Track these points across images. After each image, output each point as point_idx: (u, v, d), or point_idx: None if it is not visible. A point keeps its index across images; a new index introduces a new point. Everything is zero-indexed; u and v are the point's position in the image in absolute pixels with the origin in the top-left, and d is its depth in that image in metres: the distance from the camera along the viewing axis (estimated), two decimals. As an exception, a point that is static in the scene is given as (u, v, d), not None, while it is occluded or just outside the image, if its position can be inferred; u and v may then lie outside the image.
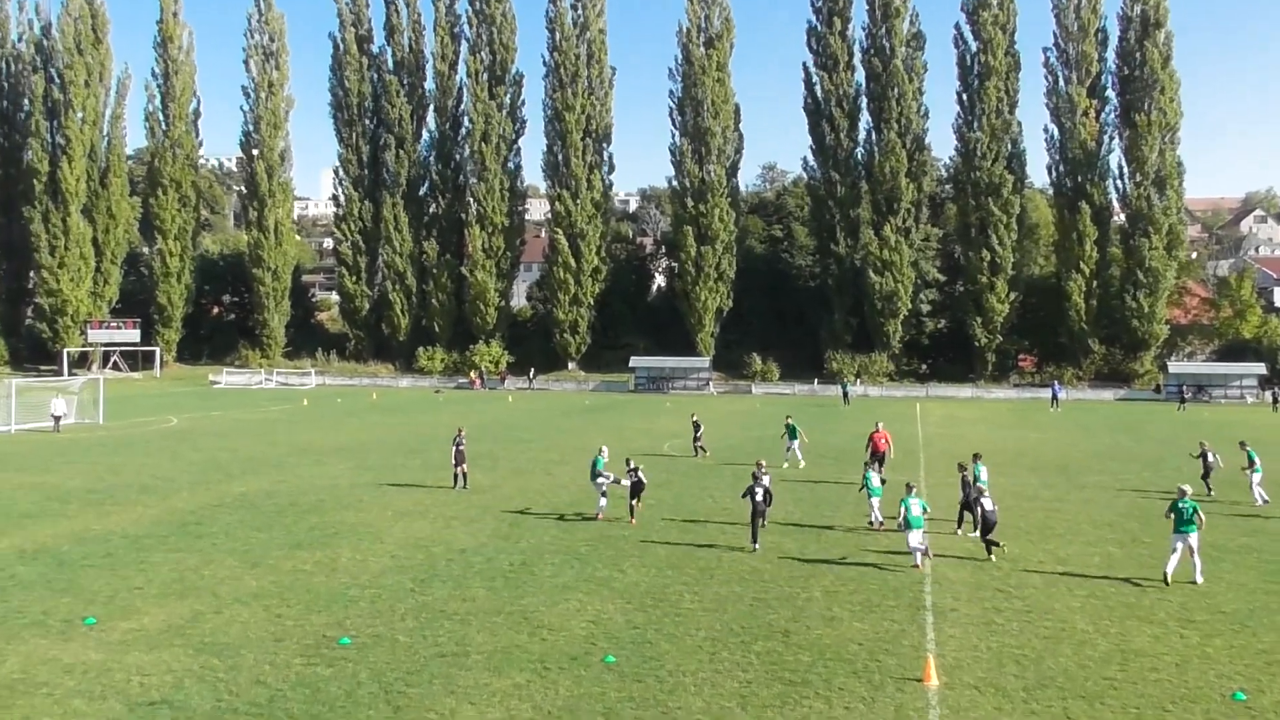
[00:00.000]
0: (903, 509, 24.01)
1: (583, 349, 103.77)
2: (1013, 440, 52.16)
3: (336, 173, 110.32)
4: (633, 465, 28.96)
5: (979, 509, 24.73)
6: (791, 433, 40.99)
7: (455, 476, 34.11)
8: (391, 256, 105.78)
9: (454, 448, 34.48)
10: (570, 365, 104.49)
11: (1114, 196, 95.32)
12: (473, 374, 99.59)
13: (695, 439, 43.90)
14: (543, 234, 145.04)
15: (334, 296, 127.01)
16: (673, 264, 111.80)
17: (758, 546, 25.19)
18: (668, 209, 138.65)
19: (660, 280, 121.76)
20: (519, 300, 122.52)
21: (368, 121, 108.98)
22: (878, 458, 36.02)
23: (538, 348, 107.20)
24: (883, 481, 28.74)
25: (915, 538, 23.52)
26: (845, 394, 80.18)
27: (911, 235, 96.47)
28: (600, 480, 29.45)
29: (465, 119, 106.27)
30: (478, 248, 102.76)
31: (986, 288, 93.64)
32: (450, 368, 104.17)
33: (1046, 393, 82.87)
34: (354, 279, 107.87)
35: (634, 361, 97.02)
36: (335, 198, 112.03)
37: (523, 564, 23.70)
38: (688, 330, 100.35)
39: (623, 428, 56.87)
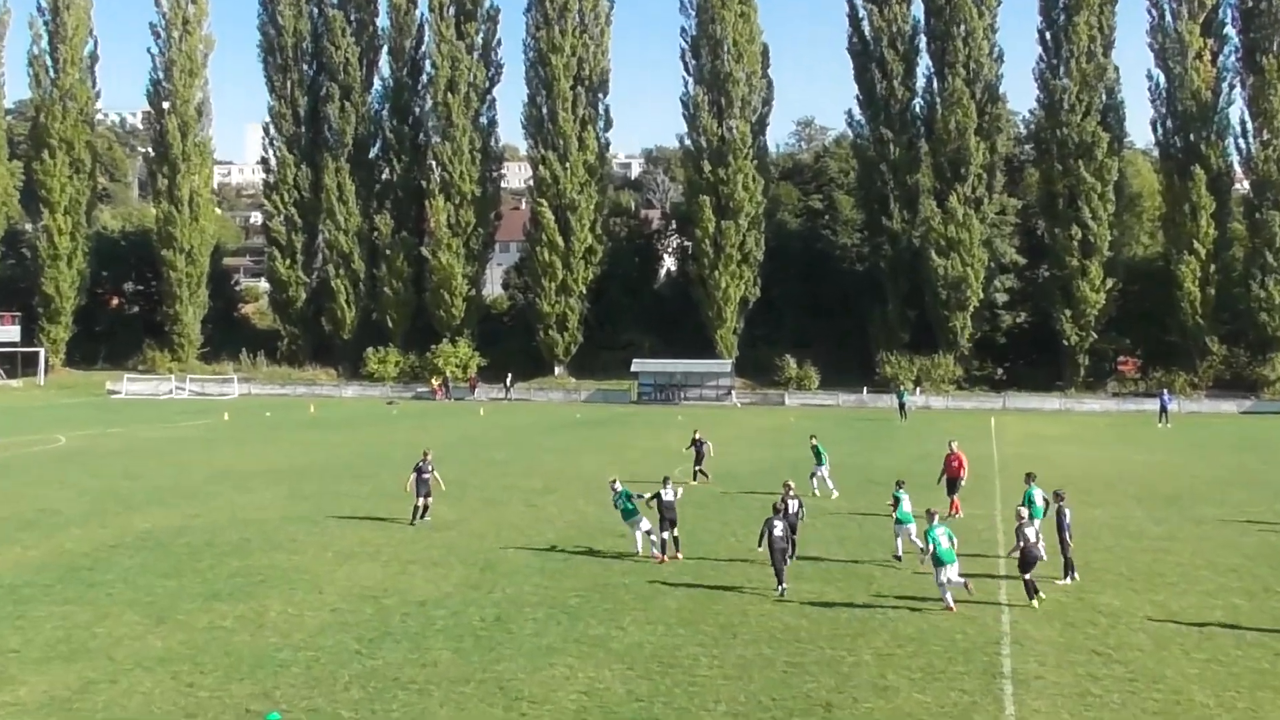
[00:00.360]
0: (929, 543, 24.30)
1: (573, 350, 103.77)
2: (1110, 463, 51.97)
3: (266, 130, 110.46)
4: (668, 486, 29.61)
5: (1020, 541, 24.94)
6: (818, 455, 41.32)
7: (415, 509, 34.03)
8: (334, 234, 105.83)
9: (414, 474, 34.39)
10: (557, 370, 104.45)
11: (1235, 159, 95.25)
12: (435, 381, 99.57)
13: (696, 464, 43.99)
14: (523, 206, 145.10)
15: (263, 284, 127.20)
16: (685, 243, 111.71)
17: (785, 588, 25.33)
18: (679, 175, 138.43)
19: (670, 263, 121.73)
20: (493, 289, 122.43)
21: (305, 67, 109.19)
22: (951, 483, 36.08)
23: (516, 348, 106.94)
24: (951, 515, 28.86)
25: (949, 572, 24.09)
26: (902, 406, 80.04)
27: (983, 207, 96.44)
28: (637, 520, 29.38)
29: (427, 63, 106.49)
30: (442, 223, 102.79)
31: (1077, 272, 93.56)
32: (407, 373, 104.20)
33: (1153, 404, 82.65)
34: (288, 262, 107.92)
35: (637, 365, 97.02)
36: (265, 161, 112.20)
37: (497, 620, 23.56)
38: (704, 326, 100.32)
39: (623, 447, 56.80)
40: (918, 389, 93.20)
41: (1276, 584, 26.98)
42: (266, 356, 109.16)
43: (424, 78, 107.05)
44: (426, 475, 34.39)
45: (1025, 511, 26.10)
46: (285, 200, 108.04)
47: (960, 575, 24.38)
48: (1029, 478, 30.71)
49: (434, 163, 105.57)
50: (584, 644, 21.86)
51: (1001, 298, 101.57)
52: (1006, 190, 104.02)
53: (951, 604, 24.02)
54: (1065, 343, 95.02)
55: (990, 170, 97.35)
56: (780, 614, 23.96)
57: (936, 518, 25.19)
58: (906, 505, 29.16)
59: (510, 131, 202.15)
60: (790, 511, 27.93)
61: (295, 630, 22.72)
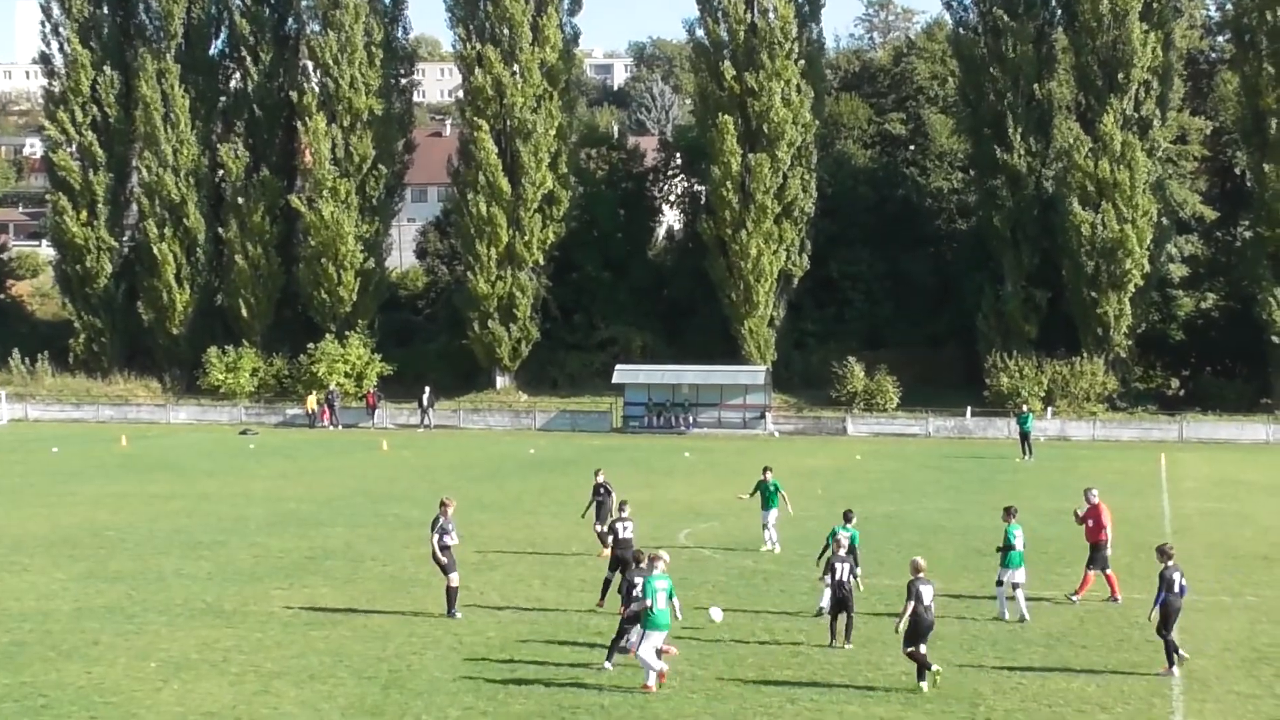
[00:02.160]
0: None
1: (524, 351, 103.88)
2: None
3: (46, 12, 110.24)
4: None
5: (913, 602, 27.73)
6: (768, 497, 44.07)
7: (450, 594, 34.26)
8: (157, 173, 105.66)
9: (436, 537, 34.30)
10: (501, 382, 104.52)
11: None
12: (313, 399, 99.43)
13: (598, 521, 43.19)
14: (448, 131, 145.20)
15: (45, 250, 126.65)
16: (697, 188, 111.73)
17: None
18: (686, 84, 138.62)
19: (673, 219, 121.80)
20: (402, 259, 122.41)
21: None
22: (1093, 551, 36.27)
23: (439, 349, 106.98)
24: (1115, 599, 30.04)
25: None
26: (1025, 436, 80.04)
27: (1153, 132, 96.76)
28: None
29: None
30: (323, 156, 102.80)
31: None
32: (270, 387, 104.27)
33: None
34: (83, 217, 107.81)
35: (622, 375, 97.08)
36: (45, 60, 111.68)
37: (407, 762, 23.63)
38: (724, 315, 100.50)
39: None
40: (1049, 410, 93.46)
41: None
42: (52, 361, 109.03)
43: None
44: (451, 539, 34.40)
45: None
46: (79, 120, 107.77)
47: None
48: (1008, 512, 34.63)
49: (310, 64, 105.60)
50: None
51: (1179, 271, 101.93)
52: (1189, 107, 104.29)
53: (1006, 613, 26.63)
54: (1277, 340, 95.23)
55: (1164, 76, 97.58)
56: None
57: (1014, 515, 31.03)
58: (1019, 543, 33.20)
59: (427, 17, 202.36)
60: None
61: (99, 779, 22.78)
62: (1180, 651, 28.74)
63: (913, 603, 27.56)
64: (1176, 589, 28.86)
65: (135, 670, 29.29)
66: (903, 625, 27.62)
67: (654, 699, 27.05)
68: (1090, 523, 36.78)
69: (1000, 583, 34.34)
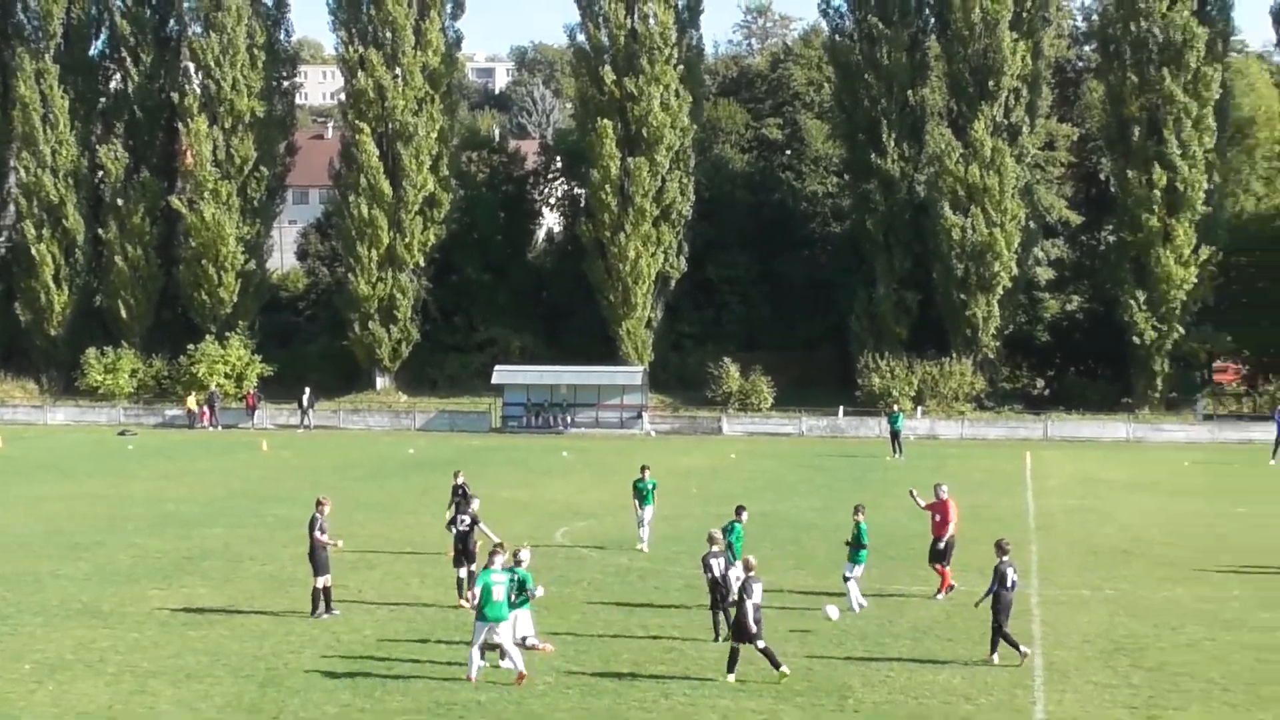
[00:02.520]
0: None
1: (404, 352, 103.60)
2: (1202, 519, 53.02)
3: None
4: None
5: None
6: (644, 495, 44.73)
7: (316, 595, 34.20)
8: (35, 174, 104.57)
9: (313, 536, 34.35)
10: (381, 382, 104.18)
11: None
12: (192, 399, 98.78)
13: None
14: (330, 134, 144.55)
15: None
16: (577, 191, 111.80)
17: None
18: (567, 88, 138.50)
19: (552, 222, 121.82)
20: (283, 260, 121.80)
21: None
22: (941, 545, 37.10)
23: (319, 350, 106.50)
24: (949, 589, 34.07)
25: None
26: (895, 435, 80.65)
27: (1021, 139, 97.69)
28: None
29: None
30: (204, 158, 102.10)
31: (1157, 236, 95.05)
32: (149, 388, 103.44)
33: (1265, 432, 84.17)
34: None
35: (501, 375, 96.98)
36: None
37: (285, 758, 23.62)
38: (602, 317, 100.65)
39: (484, 500, 56.73)
40: (919, 410, 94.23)
41: None
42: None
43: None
44: (325, 539, 34.42)
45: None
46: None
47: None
48: (739, 510, 36.90)
49: (192, 66, 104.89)
50: (415, 793, 22.05)
51: (1045, 274, 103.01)
52: (1056, 114, 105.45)
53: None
54: (1137, 341, 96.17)
55: (1033, 84, 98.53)
56: (709, 745, 24.31)
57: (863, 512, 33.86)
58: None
59: (310, 20, 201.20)
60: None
61: (-24, 778, 22.63)
62: (1022, 646, 29.43)
63: (743, 597, 28.08)
64: (1009, 583, 29.69)
65: (9, 672, 29.05)
66: (733, 620, 28.59)
67: (529, 695, 27.12)
68: (937, 517, 37.21)
69: (846, 577, 35.29)
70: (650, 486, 44.95)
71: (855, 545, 35.07)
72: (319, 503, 35.23)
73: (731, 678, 27.86)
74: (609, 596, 36.76)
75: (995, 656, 29.49)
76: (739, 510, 36.88)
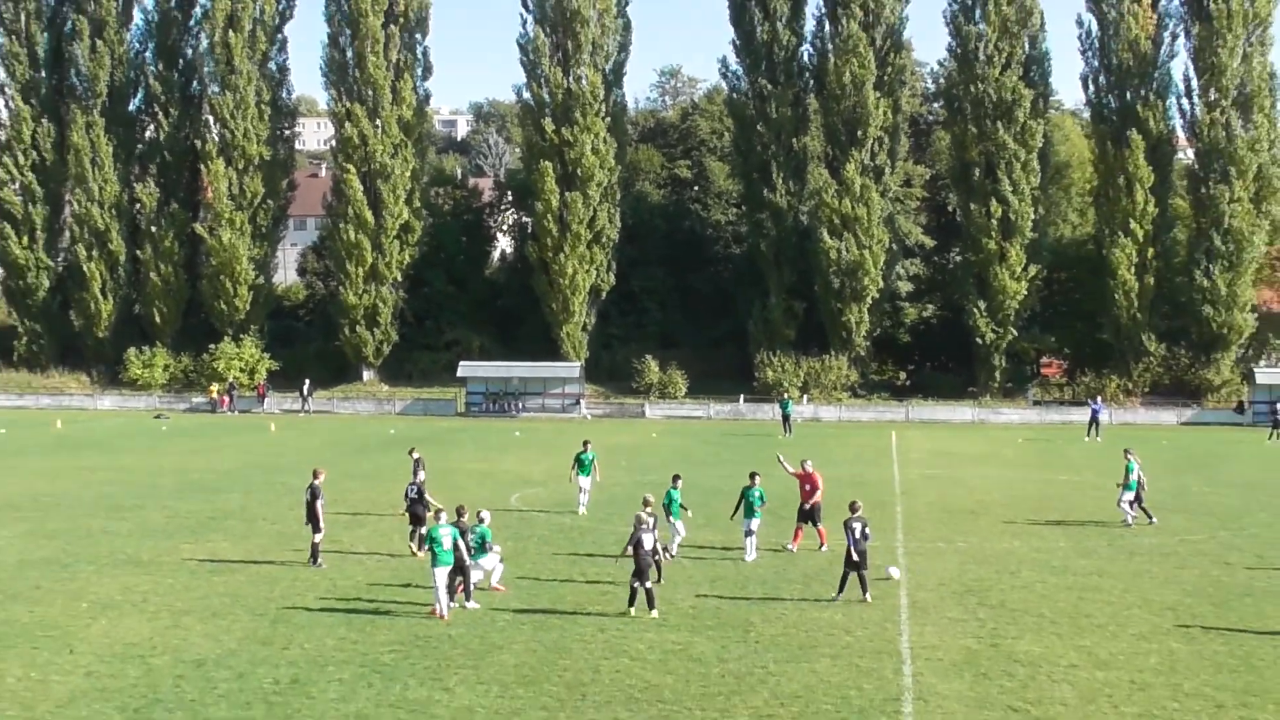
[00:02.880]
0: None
1: (385, 350, 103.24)
2: (1031, 485, 53.52)
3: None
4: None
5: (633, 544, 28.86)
6: (583, 465, 44.35)
7: (314, 549, 34.22)
8: (86, 206, 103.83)
9: (307, 500, 34.38)
10: (366, 375, 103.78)
11: (1178, 122, 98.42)
12: (215, 389, 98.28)
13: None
14: (323, 172, 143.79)
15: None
16: (524, 219, 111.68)
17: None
18: (515, 135, 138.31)
19: (505, 244, 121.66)
20: (286, 275, 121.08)
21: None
22: (808, 512, 37.21)
23: (316, 349, 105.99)
24: (821, 548, 35.24)
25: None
26: (786, 418, 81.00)
27: (885, 177, 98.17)
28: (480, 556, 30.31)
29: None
30: (221, 193, 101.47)
31: (995, 257, 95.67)
32: (179, 380, 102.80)
33: (1080, 414, 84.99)
34: (25, 241, 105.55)
35: (465, 369, 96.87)
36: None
37: (293, 682, 23.53)
38: (547, 322, 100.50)
39: (449, 471, 56.66)
40: (805, 397, 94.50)
41: (1219, 624, 28.16)
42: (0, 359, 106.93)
43: (197, 11, 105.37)
44: (319, 501, 34.40)
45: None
46: (21, 163, 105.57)
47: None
48: (675, 478, 36.93)
49: (211, 118, 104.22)
50: (401, 709, 21.94)
51: (905, 287, 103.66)
52: (912, 157, 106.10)
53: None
54: (979, 341, 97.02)
55: (893, 133, 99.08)
56: (639, 669, 24.30)
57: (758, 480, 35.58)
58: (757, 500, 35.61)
59: (307, 80, 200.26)
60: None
61: (40, 700, 22.40)
62: (868, 596, 29.70)
63: (633, 547, 28.59)
64: (859, 535, 29.75)
65: (70, 610, 28.99)
66: (628, 562, 29.09)
67: (490, 629, 27.10)
68: (807, 486, 37.27)
69: (748, 532, 35.27)
70: (590, 459, 44.47)
71: (748, 504, 35.36)
72: (315, 473, 35.14)
73: (654, 613, 28.10)
74: (555, 549, 36.73)
75: (868, 597, 29.65)
76: (675, 478, 36.74)
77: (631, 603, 28.52)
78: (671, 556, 33.77)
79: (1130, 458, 42.45)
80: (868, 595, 29.72)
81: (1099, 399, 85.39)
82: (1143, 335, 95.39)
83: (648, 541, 28.66)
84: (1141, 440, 75.53)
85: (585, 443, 45.85)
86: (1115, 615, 28.98)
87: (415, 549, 35.33)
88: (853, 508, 30.68)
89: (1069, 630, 27.56)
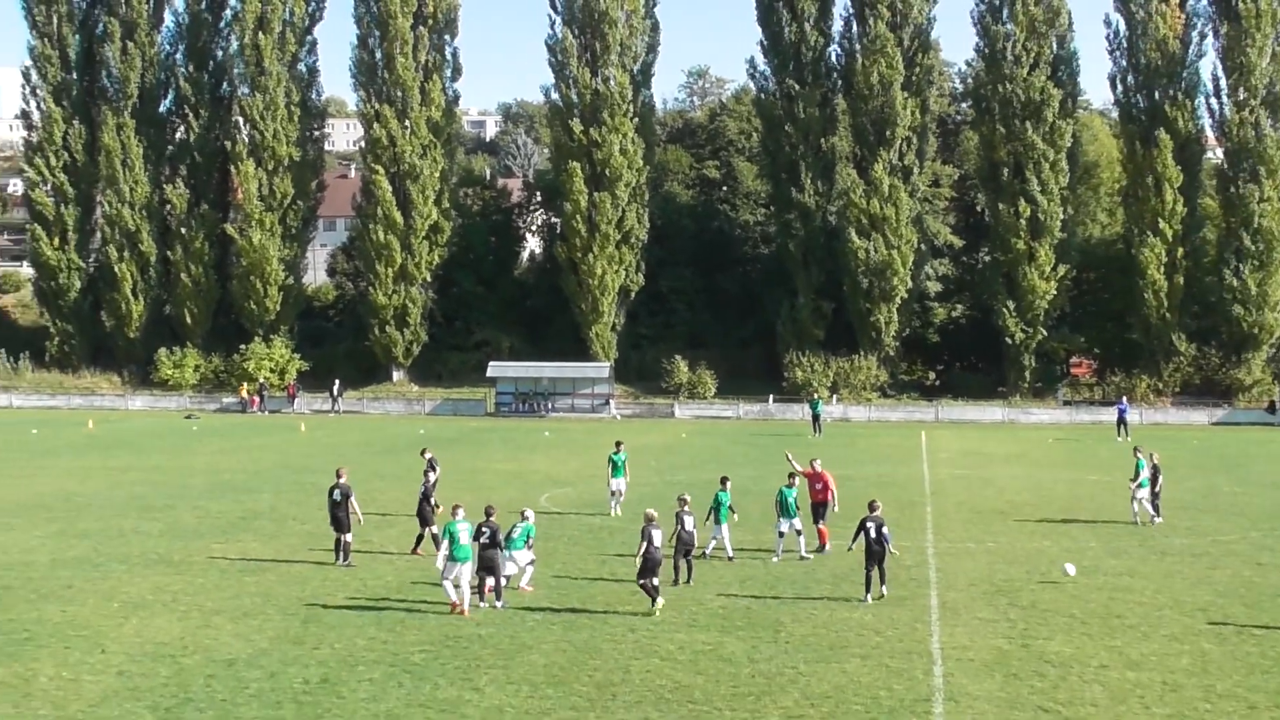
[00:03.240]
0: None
1: (415, 351, 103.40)
2: (1061, 485, 53.32)
3: (27, 76, 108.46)
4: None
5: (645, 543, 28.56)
6: (616, 466, 44.20)
7: (340, 546, 34.33)
8: (116, 207, 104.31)
9: (335, 500, 34.45)
10: (396, 375, 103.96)
11: (1206, 121, 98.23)
12: (245, 389, 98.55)
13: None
14: (352, 173, 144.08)
15: (25, 270, 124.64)
16: (553, 220, 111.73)
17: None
18: (544, 136, 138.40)
19: (534, 245, 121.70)
20: (316, 276, 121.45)
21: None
22: (816, 509, 36.99)
23: (345, 349, 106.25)
24: (820, 549, 35.28)
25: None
26: (816, 418, 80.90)
27: (913, 177, 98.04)
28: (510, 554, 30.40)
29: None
30: (251, 194, 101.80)
31: (1023, 257, 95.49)
32: (209, 380, 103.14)
33: (1110, 414, 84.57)
34: (56, 243, 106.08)
35: (494, 370, 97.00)
36: (25, 116, 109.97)
37: (323, 681, 23.53)
38: (576, 322, 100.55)
39: (478, 471, 56.74)
40: (834, 397, 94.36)
41: (1252, 625, 27.96)
42: (31, 360, 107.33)
43: (227, 13, 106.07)
44: (349, 499, 34.67)
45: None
46: (53, 164, 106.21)
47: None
48: (723, 480, 35.82)
49: (241, 119, 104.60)
50: (431, 709, 21.92)
51: (934, 287, 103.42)
52: (940, 157, 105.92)
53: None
54: (1009, 341, 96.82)
55: (921, 133, 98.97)
56: (670, 669, 24.23)
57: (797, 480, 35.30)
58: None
59: (336, 81, 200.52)
60: (686, 528, 31.61)
61: (72, 699, 22.43)
62: (884, 588, 30.13)
63: (644, 543, 28.42)
64: (874, 535, 29.84)
65: (102, 609, 29.02)
66: (637, 562, 28.67)
67: (520, 629, 27.06)
68: (818, 485, 37.22)
69: (781, 533, 35.14)
70: (622, 460, 44.32)
71: (784, 505, 35.04)
72: (339, 472, 35.22)
73: (659, 603, 28.43)
74: (585, 549, 36.70)
75: (884, 589, 30.16)
76: (723, 480, 35.86)
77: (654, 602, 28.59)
78: (730, 558, 34.41)
79: (1139, 455, 42.56)
80: (884, 589, 30.01)
81: (1124, 399, 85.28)
82: (1173, 335, 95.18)
83: (657, 538, 28.63)
84: (1172, 440, 75.47)
85: (618, 443, 45.79)
86: (1147, 616, 28.80)
87: (417, 548, 35.74)
88: (871, 506, 30.79)
89: (1100, 631, 27.39)
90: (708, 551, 34.39)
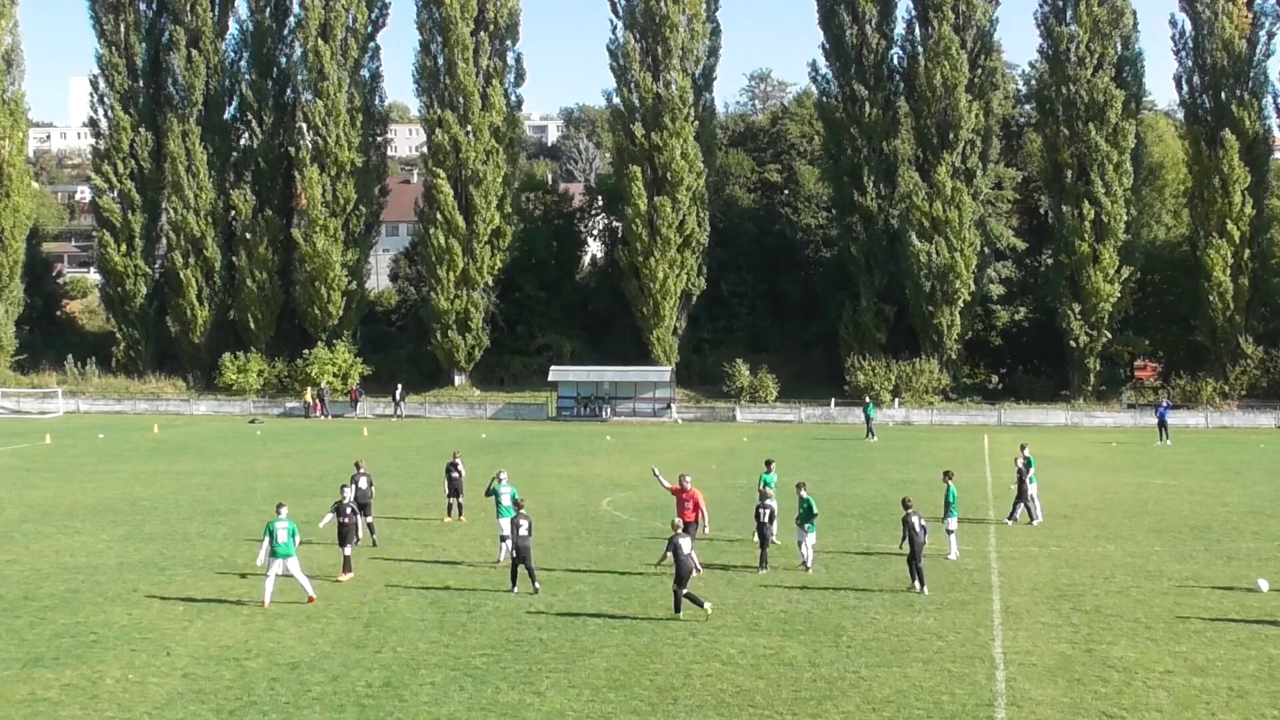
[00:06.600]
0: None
1: (477, 355, 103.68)
2: (1126, 489, 52.90)
3: (95, 85, 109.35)
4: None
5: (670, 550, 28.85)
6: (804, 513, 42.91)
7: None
8: (182, 214, 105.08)
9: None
10: (458, 380, 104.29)
11: (1274, 121, 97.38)
12: (309, 393, 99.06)
13: (451, 494, 44.13)
14: (415, 179, 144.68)
15: (93, 276, 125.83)
16: (614, 224, 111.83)
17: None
18: (605, 140, 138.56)
19: (595, 249, 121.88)
20: (379, 281, 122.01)
21: (144, 6, 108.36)
22: (686, 529, 32.06)
23: (408, 354, 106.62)
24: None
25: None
26: (869, 421, 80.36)
27: (976, 180, 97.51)
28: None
29: (294, 3, 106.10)
30: (315, 200, 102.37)
31: (1088, 259, 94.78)
32: (273, 385, 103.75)
33: (1176, 418, 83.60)
34: (123, 249, 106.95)
35: (555, 374, 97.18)
36: (93, 123, 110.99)
37: (385, 685, 23.68)
38: (637, 326, 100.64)
39: (538, 475, 56.82)
40: (896, 400, 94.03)
41: (1321, 632, 27.65)
42: (98, 365, 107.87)
43: (291, 20, 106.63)
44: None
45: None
46: (120, 172, 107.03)
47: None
48: (799, 486, 35.06)
49: (304, 126, 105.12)
50: (492, 713, 22.02)
51: (997, 290, 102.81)
52: (1003, 160, 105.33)
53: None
54: (1073, 344, 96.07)
55: (984, 136, 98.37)
56: (731, 674, 24.25)
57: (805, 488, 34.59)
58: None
59: (399, 87, 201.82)
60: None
61: (138, 702, 22.67)
62: (924, 580, 31.16)
63: (670, 553, 28.64)
64: (918, 529, 31.13)
65: (167, 612, 29.35)
66: (661, 563, 30.41)
67: (582, 633, 27.14)
68: (689, 504, 34.76)
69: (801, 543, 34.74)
70: (773, 481, 38.73)
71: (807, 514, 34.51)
72: (357, 464, 37.50)
73: (708, 606, 28.56)
74: (645, 554, 36.65)
75: (924, 589, 31.00)
76: (799, 486, 34.88)
77: (677, 609, 28.64)
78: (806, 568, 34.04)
79: (1028, 453, 44.78)
80: (925, 589, 31.01)
81: (1165, 401, 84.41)
82: (1239, 337, 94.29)
83: (685, 545, 28.65)
84: (1238, 444, 74.86)
85: (768, 462, 42.90)
86: (1213, 621, 28.57)
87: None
88: (905, 504, 31.58)
89: (1164, 635, 27.20)
90: (807, 563, 34.19)
